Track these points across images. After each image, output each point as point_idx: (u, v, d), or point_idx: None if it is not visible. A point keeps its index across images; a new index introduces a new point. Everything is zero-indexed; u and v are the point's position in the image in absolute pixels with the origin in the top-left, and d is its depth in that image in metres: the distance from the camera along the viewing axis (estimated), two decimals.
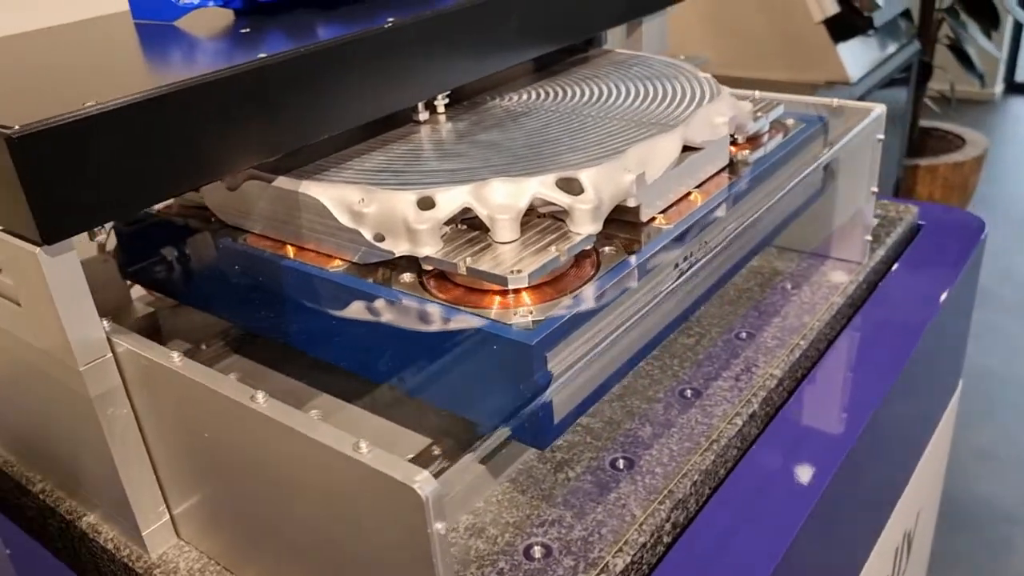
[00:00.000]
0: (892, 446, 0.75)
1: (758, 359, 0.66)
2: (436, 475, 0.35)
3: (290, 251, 0.55)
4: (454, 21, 0.60)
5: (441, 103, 0.65)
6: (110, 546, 0.54)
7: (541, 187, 0.49)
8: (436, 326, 0.46)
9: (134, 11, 0.66)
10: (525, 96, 0.70)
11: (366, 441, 0.37)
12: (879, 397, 0.65)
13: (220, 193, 0.58)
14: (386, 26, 0.55)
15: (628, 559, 0.49)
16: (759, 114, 0.66)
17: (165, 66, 0.53)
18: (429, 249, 0.49)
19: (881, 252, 0.80)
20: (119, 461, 0.50)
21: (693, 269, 0.55)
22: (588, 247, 0.50)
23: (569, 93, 0.69)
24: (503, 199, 0.49)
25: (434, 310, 0.47)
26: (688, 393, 0.63)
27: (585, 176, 0.50)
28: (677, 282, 0.53)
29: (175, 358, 0.45)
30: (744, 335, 0.69)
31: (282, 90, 0.50)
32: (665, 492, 0.53)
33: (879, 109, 0.72)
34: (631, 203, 0.52)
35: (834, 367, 0.69)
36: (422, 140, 0.60)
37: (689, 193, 0.58)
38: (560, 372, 0.44)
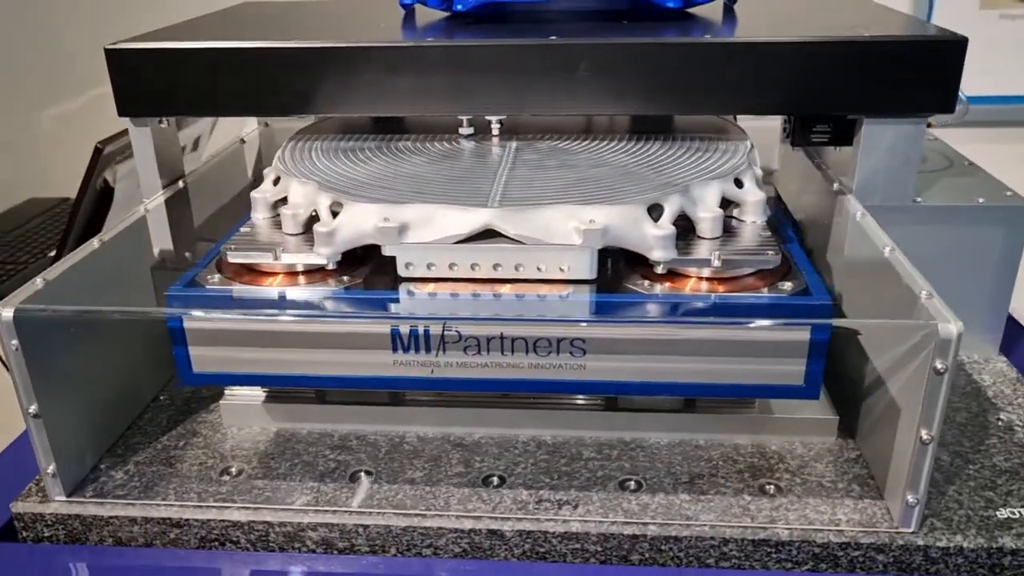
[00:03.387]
0: None
1: (708, 513, 0.56)
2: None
3: None
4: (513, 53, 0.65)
5: (495, 127, 0.70)
6: None
7: (322, 201, 0.57)
8: None
9: None
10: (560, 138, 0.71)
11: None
12: None
13: None
14: (422, 44, 0.65)
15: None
16: (717, 253, 0.53)
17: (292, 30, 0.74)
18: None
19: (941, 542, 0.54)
20: None
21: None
22: (301, 265, 0.56)
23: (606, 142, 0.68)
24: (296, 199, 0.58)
25: None
26: (632, 486, 0.58)
27: (347, 207, 0.55)
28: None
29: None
30: (772, 490, 0.58)
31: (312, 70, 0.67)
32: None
33: (947, 330, 0.48)
34: (385, 250, 0.54)
35: None
36: (411, 149, 0.68)
37: (505, 282, 0.55)
38: (197, 335, 0.55)
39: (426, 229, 0.54)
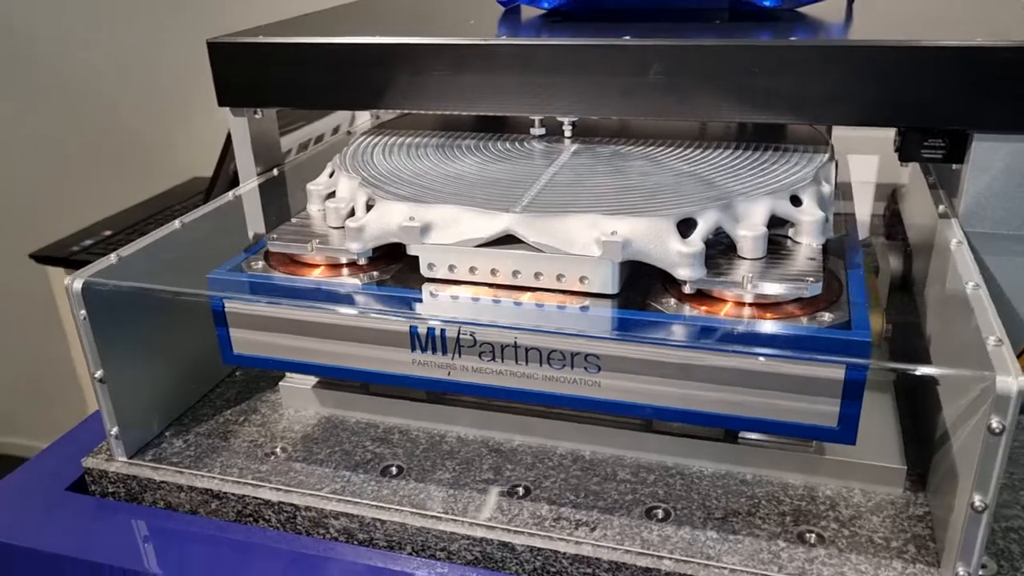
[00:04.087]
0: None
1: (732, 555, 0.51)
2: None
3: None
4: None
5: (567, 128, 0.68)
6: None
7: (360, 196, 0.57)
8: None
9: None
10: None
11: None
12: None
13: None
14: (490, 42, 0.64)
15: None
16: (753, 279, 0.49)
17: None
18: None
19: None
20: None
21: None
22: (342, 259, 0.56)
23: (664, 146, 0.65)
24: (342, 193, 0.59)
25: None
26: (659, 515, 0.55)
27: (378, 203, 0.55)
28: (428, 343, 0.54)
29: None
30: (812, 539, 0.53)
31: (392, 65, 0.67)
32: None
33: (1006, 384, 0.42)
34: (408, 249, 0.54)
35: None
36: (470, 149, 0.67)
37: (524, 290, 0.53)
38: (237, 318, 0.57)
39: (449, 231, 0.53)
